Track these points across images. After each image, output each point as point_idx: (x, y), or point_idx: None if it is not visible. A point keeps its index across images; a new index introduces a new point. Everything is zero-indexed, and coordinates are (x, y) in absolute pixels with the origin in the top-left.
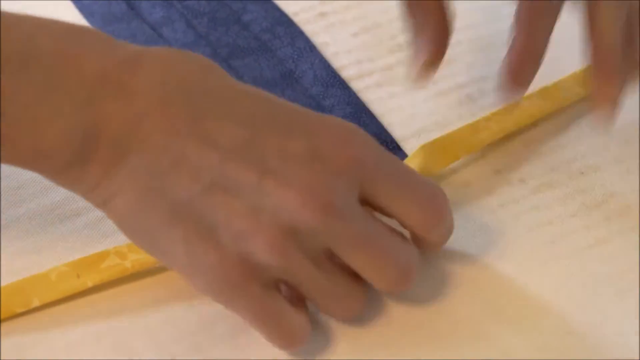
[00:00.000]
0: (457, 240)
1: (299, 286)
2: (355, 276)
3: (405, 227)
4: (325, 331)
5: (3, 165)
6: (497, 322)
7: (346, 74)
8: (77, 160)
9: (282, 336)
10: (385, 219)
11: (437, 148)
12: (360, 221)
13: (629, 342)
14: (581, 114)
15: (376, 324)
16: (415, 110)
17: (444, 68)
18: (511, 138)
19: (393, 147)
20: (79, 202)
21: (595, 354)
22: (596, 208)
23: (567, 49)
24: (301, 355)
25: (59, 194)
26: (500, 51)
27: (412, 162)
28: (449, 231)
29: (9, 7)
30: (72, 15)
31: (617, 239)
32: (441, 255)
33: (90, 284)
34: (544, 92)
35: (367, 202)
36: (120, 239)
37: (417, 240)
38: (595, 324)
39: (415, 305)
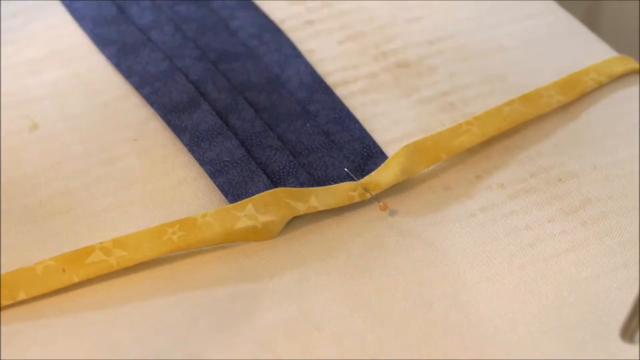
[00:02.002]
0: (437, 243)
1: None
2: None
3: None
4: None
5: None
6: (473, 324)
7: (331, 80)
8: None
9: None
10: None
11: (419, 149)
12: None
13: (604, 345)
14: (561, 122)
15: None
16: (398, 117)
17: (427, 76)
18: (492, 144)
19: (376, 151)
20: (68, 198)
21: (569, 352)
22: (573, 214)
23: (548, 57)
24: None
25: (47, 190)
26: (481, 61)
27: (394, 161)
28: None
29: (6, 8)
30: (64, 19)
31: (593, 243)
32: (420, 257)
33: (76, 279)
34: (525, 98)
35: None
36: (106, 235)
37: None
38: (570, 326)
39: (394, 303)
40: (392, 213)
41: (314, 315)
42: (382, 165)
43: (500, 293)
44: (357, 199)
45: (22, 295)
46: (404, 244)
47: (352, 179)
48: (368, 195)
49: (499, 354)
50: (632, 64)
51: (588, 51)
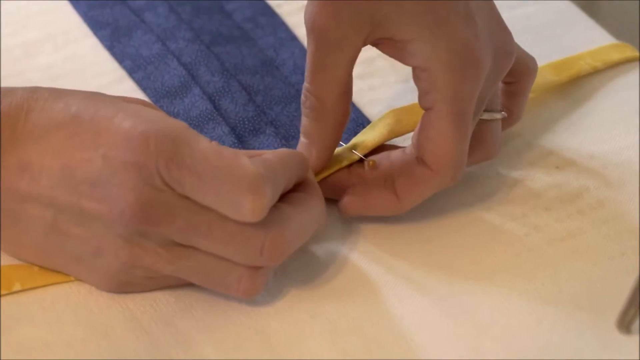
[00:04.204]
0: (431, 231)
1: (173, 274)
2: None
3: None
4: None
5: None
6: (468, 313)
7: None
8: None
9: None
10: None
11: (408, 111)
12: (180, 212)
13: (600, 334)
14: (559, 109)
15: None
16: (395, 102)
17: None
18: None
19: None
20: None
21: (565, 342)
22: (570, 202)
23: (546, 44)
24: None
25: None
26: None
27: (382, 122)
28: None
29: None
30: (59, 1)
31: (590, 232)
32: (414, 244)
33: (72, 277)
34: None
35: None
36: None
37: None
38: (566, 314)
39: (388, 291)
40: None
41: (309, 302)
42: (369, 126)
43: (496, 282)
44: (345, 163)
45: (17, 287)
46: (398, 232)
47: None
48: (356, 157)
49: (494, 342)
50: (630, 52)
51: (587, 38)
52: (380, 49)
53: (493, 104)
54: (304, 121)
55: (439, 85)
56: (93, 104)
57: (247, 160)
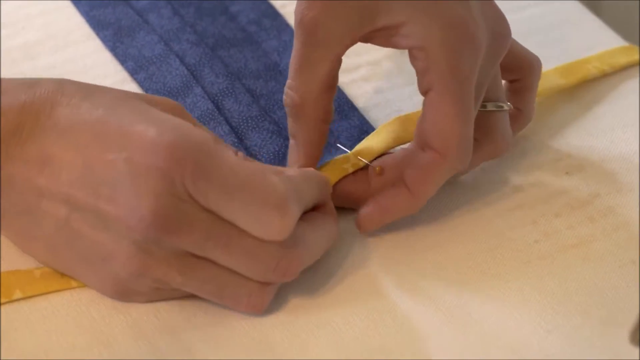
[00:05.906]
0: (439, 238)
1: (182, 286)
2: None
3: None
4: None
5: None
6: (477, 322)
7: None
8: None
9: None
10: None
11: (413, 118)
12: (200, 224)
13: (611, 344)
14: (568, 114)
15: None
16: (402, 105)
17: None
18: None
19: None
20: None
21: (575, 352)
22: (580, 208)
23: (554, 45)
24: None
25: None
26: None
27: (386, 129)
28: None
29: None
30: (61, 1)
31: (600, 239)
32: (422, 253)
33: (74, 284)
34: None
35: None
36: None
37: None
38: (576, 324)
39: (396, 301)
40: None
41: (313, 312)
42: (373, 132)
43: (505, 290)
44: (350, 170)
45: (18, 294)
46: (405, 239)
47: (345, 152)
48: (362, 163)
49: (503, 353)
50: (636, 54)
51: (595, 39)
52: (372, 42)
53: (497, 94)
54: (288, 120)
55: (436, 63)
56: (121, 108)
57: (276, 178)
